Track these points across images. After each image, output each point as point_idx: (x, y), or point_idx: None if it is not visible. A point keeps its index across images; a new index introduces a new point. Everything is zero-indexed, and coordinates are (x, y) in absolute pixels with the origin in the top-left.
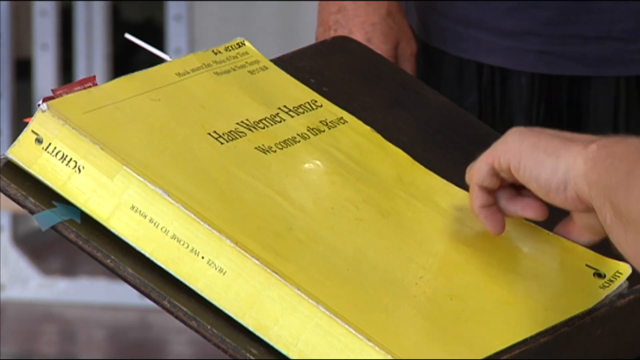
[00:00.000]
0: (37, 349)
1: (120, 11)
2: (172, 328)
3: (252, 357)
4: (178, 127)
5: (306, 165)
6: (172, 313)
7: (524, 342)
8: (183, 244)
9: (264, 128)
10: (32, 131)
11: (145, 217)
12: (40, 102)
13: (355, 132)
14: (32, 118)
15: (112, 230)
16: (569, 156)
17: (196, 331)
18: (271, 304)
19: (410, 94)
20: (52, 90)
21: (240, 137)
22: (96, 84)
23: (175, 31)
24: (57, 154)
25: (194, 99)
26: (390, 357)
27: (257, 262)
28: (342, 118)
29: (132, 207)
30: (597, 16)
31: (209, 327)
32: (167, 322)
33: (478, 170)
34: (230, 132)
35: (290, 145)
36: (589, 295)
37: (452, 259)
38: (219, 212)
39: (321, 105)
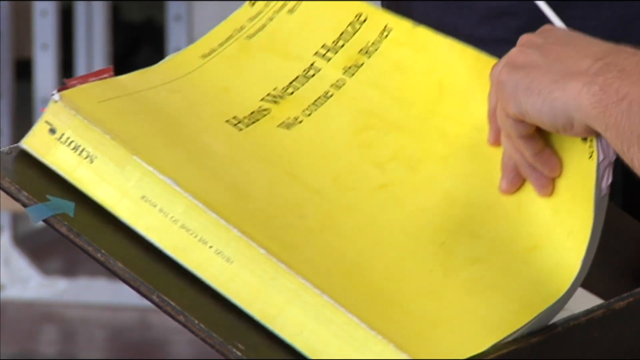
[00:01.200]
0: (37, 349)
1: (120, 11)
2: (172, 328)
3: (238, 353)
4: (194, 119)
5: (333, 130)
6: (160, 307)
7: (514, 341)
8: (192, 233)
9: (292, 93)
10: (46, 121)
11: (155, 206)
12: (54, 92)
13: (398, 44)
14: (46, 108)
15: (122, 219)
16: (567, 97)
17: (184, 326)
18: (276, 294)
19: None
20: (66, 81)
21: (263, 116)
22: (112, 75)
23: (175, 31)
24: (70, 144)
25: (216, 82)
26: (392, 345)
27: (263, 251)
28: (385, 27)
29: (143, 197)
30: (570, 24)
31: (196, 322)
32: (167, 322)
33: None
34: (252, 113)
35: (320, 106)
36: (586, 177)
37: (483, 198)
38: (228, 204)
39: (365, 20)
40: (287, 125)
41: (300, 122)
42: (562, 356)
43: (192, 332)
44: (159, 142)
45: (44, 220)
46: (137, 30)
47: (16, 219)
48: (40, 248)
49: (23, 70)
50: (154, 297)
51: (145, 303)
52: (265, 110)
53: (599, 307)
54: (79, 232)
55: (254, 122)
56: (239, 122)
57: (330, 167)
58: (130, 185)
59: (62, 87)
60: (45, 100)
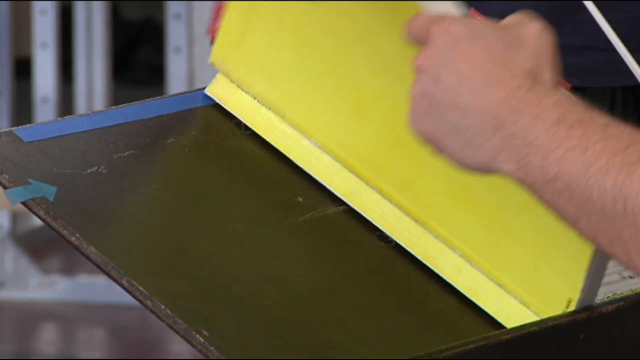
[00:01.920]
0: (37, 349)
1: (119, 10)
2: None
3: (202, 339)
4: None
5: None
6: (129, 292)
7: (483, 338)
8: (360, 178)
9: None
10: None
11: (325, 152)
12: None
13: None
14: None
15: (297, 162)
16: (484, 163)
17: (151, 311)
18: (434, 238)
19: None
20: (210, 31)
21: None
22: None
23: (174, 30)
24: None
25: None
26: (518, 300)
27: (400, 209)
28: None
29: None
30: (582, 26)
31: (162, 307)
32: None
33: None
34: None
35: None
36: None
37: None
38: (372, 146)
39: None
40: None
41: None
42: (542, 356)
43: (159, 317)
44: (306, 80)
45: (23, 203)
46: (137, 29)
47: (16, 217)
48: (40, 247)
49: (22, 69)
50: (124, 282)
51: None
52: None
53: (584, 309)
54: (55, 215)
55: None
56: None
57: None
58: (295, 133)
59: (212, 32)
60: (44, 99)
